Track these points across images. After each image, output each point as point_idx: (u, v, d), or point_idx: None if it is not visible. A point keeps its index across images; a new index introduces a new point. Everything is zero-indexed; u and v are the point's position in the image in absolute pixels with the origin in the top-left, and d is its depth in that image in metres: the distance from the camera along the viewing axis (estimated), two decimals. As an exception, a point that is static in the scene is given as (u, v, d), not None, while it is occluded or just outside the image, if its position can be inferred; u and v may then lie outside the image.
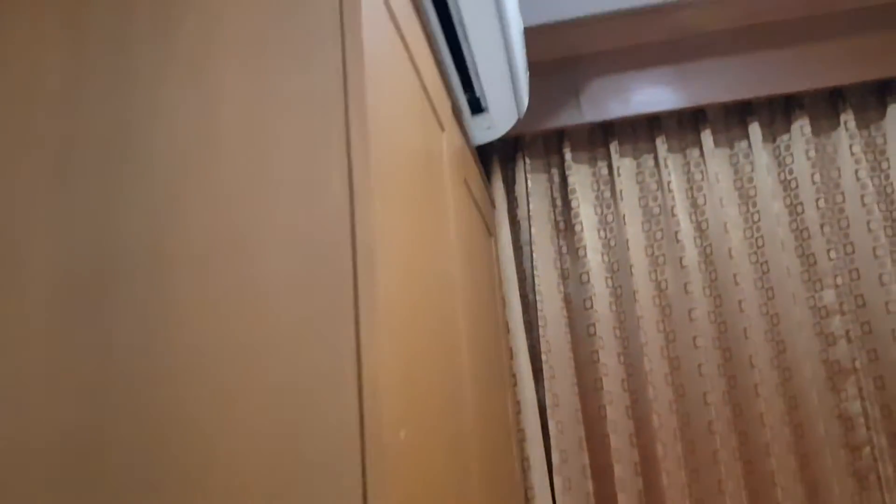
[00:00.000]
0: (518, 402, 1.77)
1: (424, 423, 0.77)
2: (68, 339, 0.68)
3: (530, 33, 1.87)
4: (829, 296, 1.75)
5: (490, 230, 1.66)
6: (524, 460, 1.74)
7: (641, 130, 1.95)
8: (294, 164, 0.69)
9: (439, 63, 1.14)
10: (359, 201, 0.67)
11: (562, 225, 1.93)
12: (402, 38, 0.91)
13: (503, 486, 1.35)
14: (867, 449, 1.66)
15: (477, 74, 1.33)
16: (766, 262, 1.81)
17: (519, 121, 1.85)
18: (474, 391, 1.11)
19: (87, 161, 0.72)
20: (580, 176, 1.94)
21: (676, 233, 1.83)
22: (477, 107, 1.45)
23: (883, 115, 1.85)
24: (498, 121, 1.50)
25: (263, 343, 0.65)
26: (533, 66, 1.91)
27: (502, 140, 1.97)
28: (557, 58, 1.91)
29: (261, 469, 0.63)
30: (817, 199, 1.79)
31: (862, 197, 1.78)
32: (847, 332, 1.72)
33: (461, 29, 1.20)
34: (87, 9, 0.77)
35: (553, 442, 1.75)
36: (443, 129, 1.13)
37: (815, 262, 1.77)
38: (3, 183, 0.73)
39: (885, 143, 1.84)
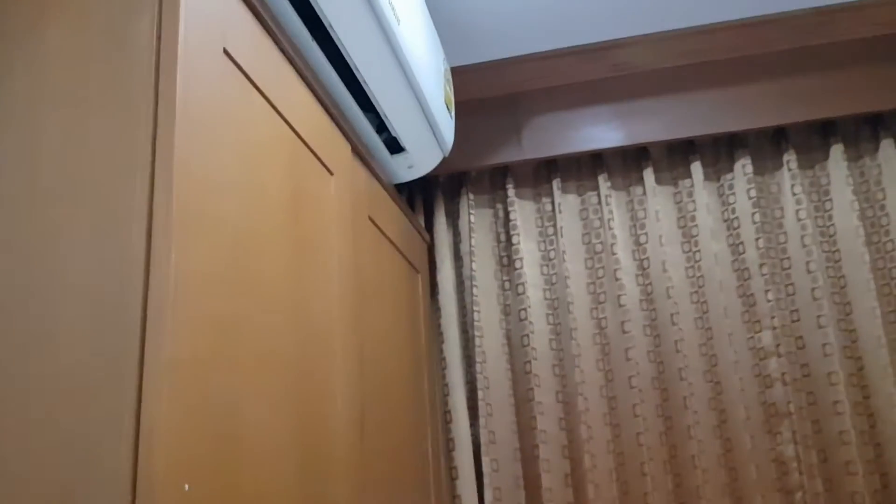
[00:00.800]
0: (452, 439, 1.76)
1: (239, 477, 0.78)
2: None
3: (470, 71, 1.89)
4: (766, 337, 1.73)
5: (416, 267, 1.66)
6: (455, 497, 1.73)
7: (585, 167, 1.95)
8: (98, 213, 0.71)
9: (330, 110, 1.16)
10: (156, 252, 0.69)
11: (505, 261, 1.93)
12: (260, 91, 0.93)
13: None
14: (799, 493, 1.63)
15: (386, 117, 1.34)
16: (706, 301, 1.80)
17: (457, 156, 1.86)
18: (356, 436, 1.11)
19: None
20: (524, 212, 1.94)
21: (616, 270, 1.82)
22: (397, 147, 1.46)
23: (827, 155, 1.84)
24: (420, 160, 1.51)
25: (46, 391, 0.66)
26: (474, 104, 1.92)
27: (447, 176, 1.98)
28: (499, 95, 1.93)
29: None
30: (758, 239, 1.78)
31: (802, 238, 1.76)
32: (783, 374, 1.70)
33: (360, 76, 1.22)
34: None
35: (487, 480, 1.74)
36: (331, 172, 1.14)
37: (755, 303, 1.75)
38: None
39: (828, 183, 1.82)
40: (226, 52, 0.85)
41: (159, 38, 0.76)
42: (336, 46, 1.15)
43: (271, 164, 0.94)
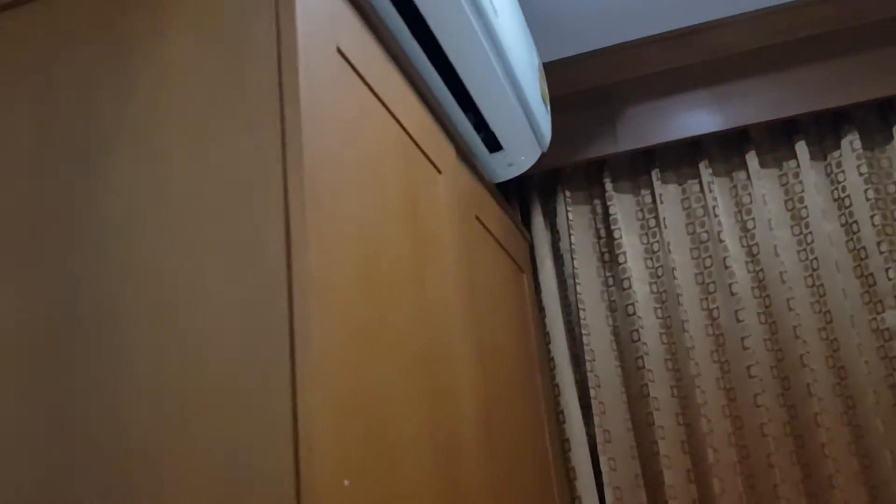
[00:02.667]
0: (567, 440, 1.74)
1: (391, 474, 0.78)
2: (24, 398, 0.72)
3: (560, 66, 1.87)
4: (891, 317, 1.64)
5: (521, 266, 1.65)
6: (575, 499, 1.70)
7: (684, 155, 1.90)
8: (231, 226, 0.72)
9: (434, 108, 1.16)
10: (296, 261, 0.69)
11: (606, 256, 1.90)
12: (372, 89, 0.93)
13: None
14: (942, 480, 1.54)
15: (486, 114, 1.34)
16: (822, 284, 1.73)
17: (552, 153, 1.84)
18: (483, 436, 1.10)
19: (45, 223, 0.77)
20: (623, 205, 1.91)
21: (725, 258, 1.77)
22: (495, 145, 1.46)
23: (942, 122, 1.75)
24: (518, 157, 1.50)
25: (206, 402, 0.68)
26: (567, 98, 1.90)
27: (542, 174, 1.96)
28: (591, 88, 1.90)
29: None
30: (872, 216, 1.70)
31: (923, 210, 1.68)
32: (913, 354, 1.61)
33: (460, 72, 1.22)
34: (55, 79, 0.83)
35: (606, 479, 1.71)
36: (440, 171, 1.14)
37: (875, 283, 1.67)
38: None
39: (946, 151, 1.73)
40: (339, 50, 0.86)
41: (279, 39, 0.77)
42: (434, 42, 1.15)
43: (387, 164, 0.95)
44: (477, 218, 1.32)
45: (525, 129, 1.43)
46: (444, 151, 1.19)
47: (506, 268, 1.50)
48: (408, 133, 1.04)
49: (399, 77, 1.05)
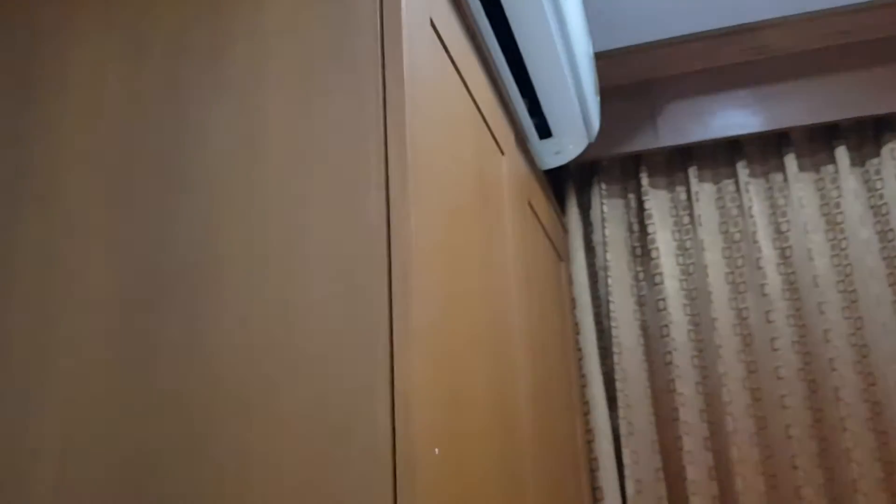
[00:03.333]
0: (591, 430, 1.74)
1: (467, 443, 0.78)
2: (124, 355, 0.72)
3: (605, 58, 1.87)
4: (923, 326, 1.65)
5: (560, 255, 1.65)
6: (596, 490, 1.71)
7: (721, 155, 1.91)
8: (333, 184, 0.72)
9: (499, 88, 1.16)
10: (395, 220, 0.69)
11: (638, 251, 1.90)
12: (454, 63, 0.93)
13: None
14: (966, 490, 1.55)
15: (543, 99, 1.34)
16: (855, 290, 1.73)
17: (590, 145, 1.84)
18: (533, 415, 1.11)
19: (141, 180, 0.77)
20: (658, 201, 1.91)
21: (758, 259, 1.77)
22: (545, 131, 1.46)
23: (983, 136, 1.75)
24: (567, 145, 1.50)
25: (301, 358, 0.68)
26: (608, 91, 1.90)
27: (578, 165, 1.97)
28: (633, 82, 1.90)
29: (296, 481, 0.65)
30: (910, 225, 1.70)
31: (960, 222, 1.69)
32: (943, 365, 1.62)
33: (525, 54, 1.22)
34: (146, 36, 0.82)
35: (627, 471, 1.72)
36: (503, 152, 1.14)
37: (908, 291, 1.68)
38: (61, 200, 0.78)
39: None
40: (432, 23, 0.86)
41: (381, 7, 0.77)
42: (504, 20, 1.15)
43: (463, 139, 0.94)
44: (529, 203, 1.32)
45: (577, 117, 1.43)
46: (506, 133, 1.19)
47: (549, 255, 1.50)
48: (480, 111, 1.04)
49: (473, 54, 1.05)
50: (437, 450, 0.68)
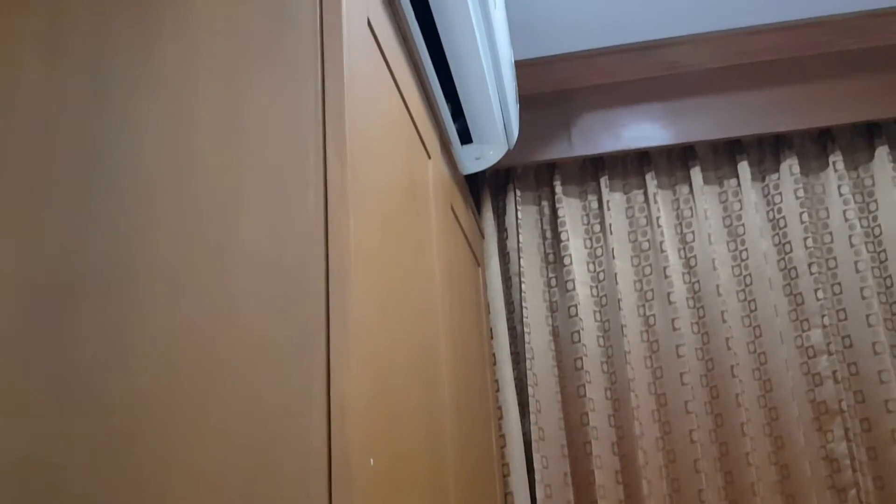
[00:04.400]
0: (503, 436, 1.75)
1: (398, 453, 0.76)
2: (36, 350, 0.67)
3: (523, 67, 1.89)
4: (816, 335, 1.74)
5: (478, 260, 1.66)
6: (507, 495, 1.72)
7: (632, 165, 1.96)
8: (268, 184, 0.69)
9: (427, 92, 1.15)
10: (333, 222, 0.67)
11: (551, 257, 1.93)
12: (388, 65, 0.92)
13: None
14: (853, 491, 1.64)
15: (466, 105, 1.33)
16: (754, 299, 1.81)
17: (509, 152, 1.85)
18: (455, 423, 1.10)
19: (60, 172, 0.72)
20: (570, 209, 1.94)
21: (665, 268, 1.83)
22: (466, 137, 1.46)
23: (871, 156, 1.86)
24: (487, 151, 1.51)
25: (231, 362, 0.64)
26: (525, 100, 1.92)
27: (494, 171, 1.98)
28: (550, 91, 1.93)
29: (224, 490, 0.61)
30: (805, 239, 1.79)
31: (850, 237, 1.78)
32: (834, 372, 1.71)
33: (451, 59, 1.21)
34: (66, 25, 0.77)
35: (538, 476, 1.73)
36: (429, 156, 1.13)
37: (803, 302, 1.77)
38: (-22, 196, 0.72)
39: (873, 184, 1.85)
40: (369, 23, 0.84)
41: (321, 3, 0.75)
42: (431, 24, 1.14)
43: (397, 144, 0.93)
44: (452, 208, 1.32)
45: (498, 123, 1.43)
46: (432, 138, 1.18)
47: (469, 261, 1.50)
48: (410, 114, 1.02)
49: (405, 57, 1.03)
50: (371, 460, 0.66)
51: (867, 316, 1.74)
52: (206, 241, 0.68)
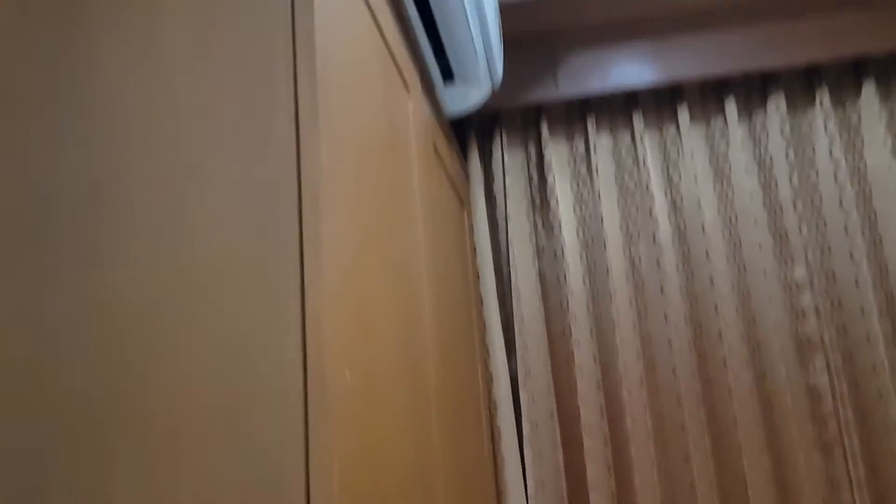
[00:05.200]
0: (490, 375, 1.78)
1: (377, 371, 0.78)
2: (6, 277, 0.68)
3: (508, 8, 1.88)
4: (799, 271, 1.76)
5: (463, 201, 1.67)
6: (495, 431, 1.75)
7: (618, 107, 1.95)
8: (238, 109, 0.70)
9: (406, 26, 1.15)
10: (305, 146, 0.68)
11: (538, 201, 1.94)
12: (363, -5, 0.91)
13: (470, 452, 1.36)
14: (833, 422, 1.68)
15: (447, 41, 1.33)
16: (739, 237, 1.83)
17: (494, 93, 1.85)
18: (437, 351, 1.12)
19: (29, 99, 0.73)
20: (557, 152, 1.95)
21: (651, 209, 1.84)
22: (448, 75, 1.45)
23: (858, 93, 1.86)
24: (471, 91, 1.50)
25: (205, 281, 0.66)
26: (510, 41, 1.91)
27: (480, 115, 1.98)
28: (535, 32, 1.92)
29: (200, 407, 0.63)
30: (791, 176, 1.80)
31: (835, 174, 1.79)
32: (816, 307, 1.74)
33: (431, -6, 1.21)
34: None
35: (524, 413, 1.77)
36: (408, 91, 1.13)
37: (787, 238, 1.78)
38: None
39: (859, 121, 1.85)
40: (341, -47, 0.83)
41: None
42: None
43: (372, 73, 0.93)
44: (434, 146, 1.32)
45: (482, 62, 1.43)
46: (412, 74, 1.18)
47: (453, 201, 1.51)
48: (388, 48, 1.02)
49: (382, -12, 1.03)
50: (348, 373, 0.68)
51: (850, 251, 1.75)
52: (175, 166, 0.69)
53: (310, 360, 0.63)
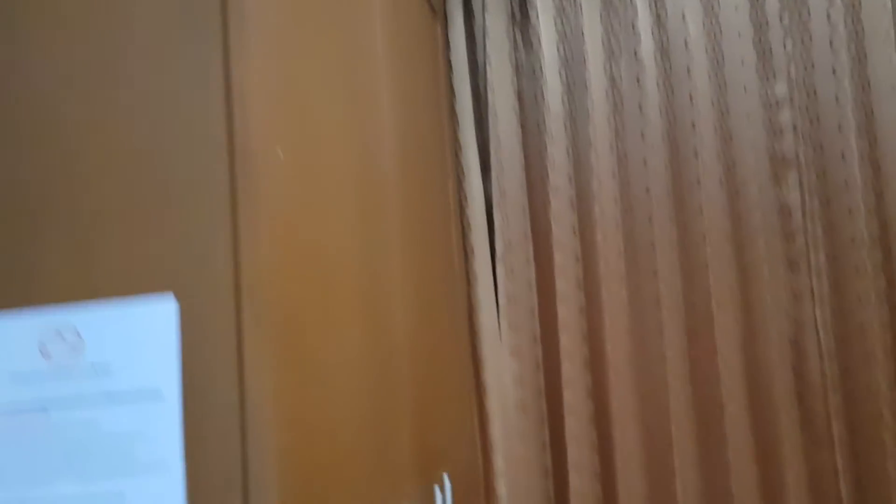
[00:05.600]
0: (465, 194, 1.78)
1: (317, 153, 0.77)
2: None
3: None
4: (780, 87, 1.73)
5: (434, 9, 1.60)
6: (468, 249, 1.78)
7: (603, -88, 1.84)
8: None
9: None
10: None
11: (517, 15, 1.86)
12: None
13: (437, 267, 1.38)
14: (801, 237, 1.70)
15: None
16: (722, 53, 1.77)
17: None
18: (398, 155, 1.11)
19: None
20: (537, -38, 1.85)
21: (634, 23, 1.78)
22: None
23: None
24: None
25: (124, 49, 0.64)
26: None
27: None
28: None
29: (125, 187, 0.63)
30: (778, -13, 1.73)
31: (825, -15, 1.72)
32: (794, 124, 1.71)
33: None
34: None
35: (497, 233, 1.79)
36: None
37: (771, 53, 1.74)
38: None
39: (855, -73, 1.75)
40: None
41: None
42: None
43: None
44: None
45: None
46: None
47: (422, 9, 1.45)
48: None
49: None
50: (280, 152, 0.67)
51: (833, 67, 1.71)
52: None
53: (237, 137, 0.62)
